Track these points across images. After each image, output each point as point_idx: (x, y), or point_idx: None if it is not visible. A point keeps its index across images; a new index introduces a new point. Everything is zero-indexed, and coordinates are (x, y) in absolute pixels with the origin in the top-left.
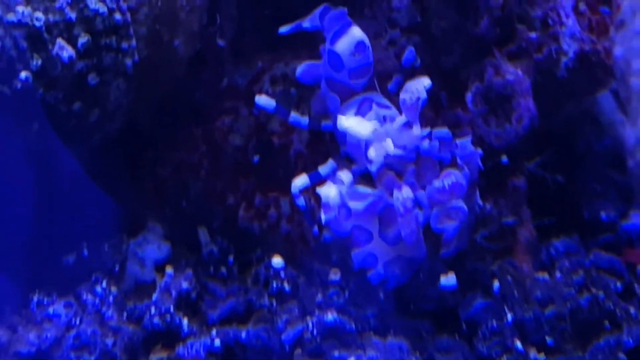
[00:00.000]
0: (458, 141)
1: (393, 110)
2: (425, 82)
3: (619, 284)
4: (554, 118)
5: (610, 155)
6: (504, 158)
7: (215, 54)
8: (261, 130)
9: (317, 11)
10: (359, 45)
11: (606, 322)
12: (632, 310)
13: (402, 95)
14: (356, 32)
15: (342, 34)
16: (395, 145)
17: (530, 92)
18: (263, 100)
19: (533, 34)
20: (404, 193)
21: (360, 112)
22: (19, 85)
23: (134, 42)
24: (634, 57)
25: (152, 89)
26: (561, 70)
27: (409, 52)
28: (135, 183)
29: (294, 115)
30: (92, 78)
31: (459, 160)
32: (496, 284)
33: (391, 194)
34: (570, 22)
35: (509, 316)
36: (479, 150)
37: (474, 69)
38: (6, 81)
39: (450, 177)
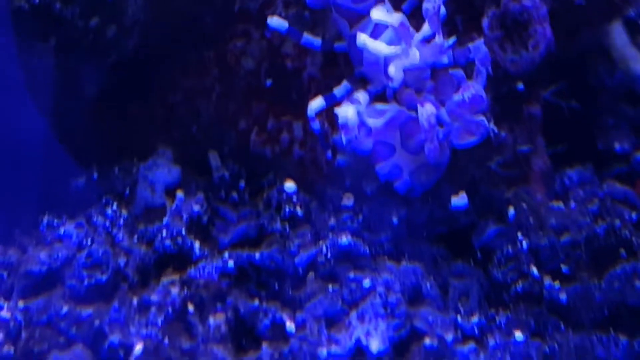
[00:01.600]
0: (471, 45)
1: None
2: None
3: (633, 215)
4: (570, 47)
5: (623, 90)
6: (520, 85)
7: None
8: (274, 54)
9: None
10: None
11: (622, 251)
12: None
13: (425, 5)
14: None
15: None
16: (420, 60)
17: (547, 18)
18: (275, 21)
19: None
20: (428, 109)
21: (375, 34)
22: (37, 0)
23: None
24: None
25: (168, 5)
26: None
27: None
28: (146, 107)
29: (306, 36)
30: None
31: (477, 63)
32: (511, 211)
33: (410, 110)
34: None
35: (524, 243)
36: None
37: None
38: None
39: (470, 89)
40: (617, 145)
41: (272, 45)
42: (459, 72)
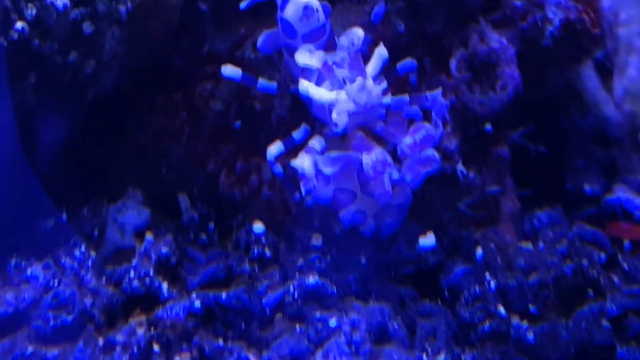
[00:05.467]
0: (429, 94)
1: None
2: (358, 33)
3: (602, 256)
4: (539, 88)
5: (594, 132)
6: (488, 126)
7: (196, 19)
8: (242, 96)
9: None
10: (306, 9)
11: (590, 291)
12: (616, 279)
13: (339, 54)
14: None
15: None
16: (356, 104)
17: (515, 60)
18: (229, 70)
19: (518, 2)
20: (373, 156)
21: (322, 76)
22: (15, 36)
23: None
24: (622, 8)
25: (146, 38)
26: (546, 38)
27: (378, 7)
28: (115, 148)
29: (261, 81)
30: (87, 27)
31: (433, 114)
32: (479, 251)
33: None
34: None
35: (492, 283)
36: (447, 102)
37: (459, 35)
38: (2, 32)
39: (421, 131)
40: (587, 187)
41: (240, 87)
42: (416, 110)
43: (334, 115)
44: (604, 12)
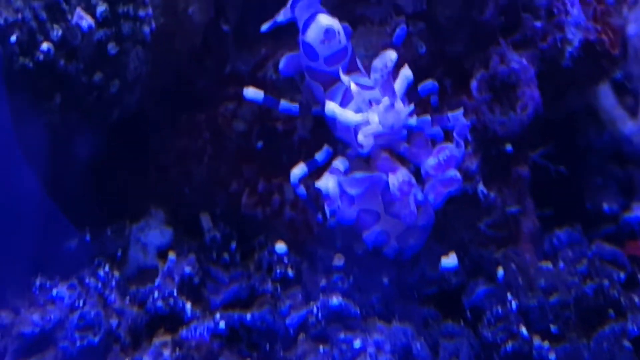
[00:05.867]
0: (450, 114)
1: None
2: (391, 55)
3: (622, 275)
4: (558, 108)
5: (611, 151)
6: (509, 146)
7: (219, 40)
8: (265, 116)
9: (289, 1)
10: (328, 32)
11: (611, 311)
12: (636, 299)
13: (373, 76)
14: (323, 20)
15: (310, 22)
16: (383, 126)
17: (535, 81)
18: (251, 92)
19: (538, 23)
20: (399, 176)
21: (346, 98)
22: (41, 57)
23: (150, 9)
24: None
25: (169, 59)
26: (566, 59)
27: (400, 30)
28: (139, 168)
29: (283, 103)
30: (112, 47)
31: (454, 134)
32: (500, 271)
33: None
34: (576, 11)
35: (514, 303)
36: (469, 122)
37: (479, 57)
38: (28, 53)
39: (445, 151)
40: (605, 206)
41: (262, 108)
42: (438, 130)
43: (360, 137)
44: (630, 38)
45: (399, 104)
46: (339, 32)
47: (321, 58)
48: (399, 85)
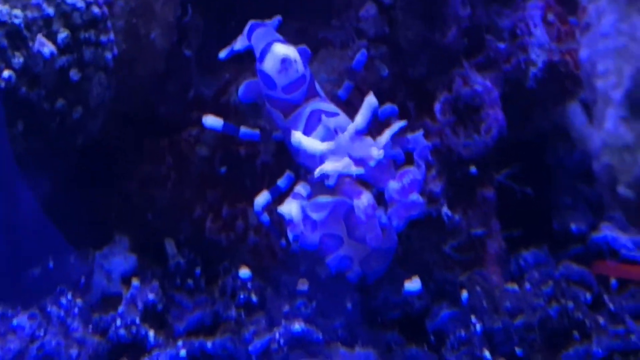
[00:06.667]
0: (410, 136)
1: (341, 117)
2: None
3: (588, 296)
4: (523, 129)
5: (581, 169)
6: (473, 169)
7: (182, 65)
8: (228, 141)
9: (246, 29)
10: (284, 61)
11: (575, 333)
12: (601, 320)
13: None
14: (279, 49)
15: (267, 51)
16: (352, 158)
17: (499, 102)
18: (210, 120)
19: (502, 45)
20: (364, 200)
21: (309, 125)
22: (3, 85)
23: (112, 35)
24: (600, 60)
25: (132, 84)
26: (530, 80)
27: (360, 54)
28: (103, 194)
29: (243, 129)
30: (74, 74)
31: (415, 156)
32: (464, 294)
33: (351, 199)
34: (539, 32)
35: (478, 326)
36: (429, 144)
37: (442, 79)
38: None
39: (408, 175)
40: (573, 226)
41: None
42: (399, 152)
43: (327, 167)
44: (582, 63)
45: (367, 138)
46: (295, 61)
47: (279, 87)
48: (364, 113)
